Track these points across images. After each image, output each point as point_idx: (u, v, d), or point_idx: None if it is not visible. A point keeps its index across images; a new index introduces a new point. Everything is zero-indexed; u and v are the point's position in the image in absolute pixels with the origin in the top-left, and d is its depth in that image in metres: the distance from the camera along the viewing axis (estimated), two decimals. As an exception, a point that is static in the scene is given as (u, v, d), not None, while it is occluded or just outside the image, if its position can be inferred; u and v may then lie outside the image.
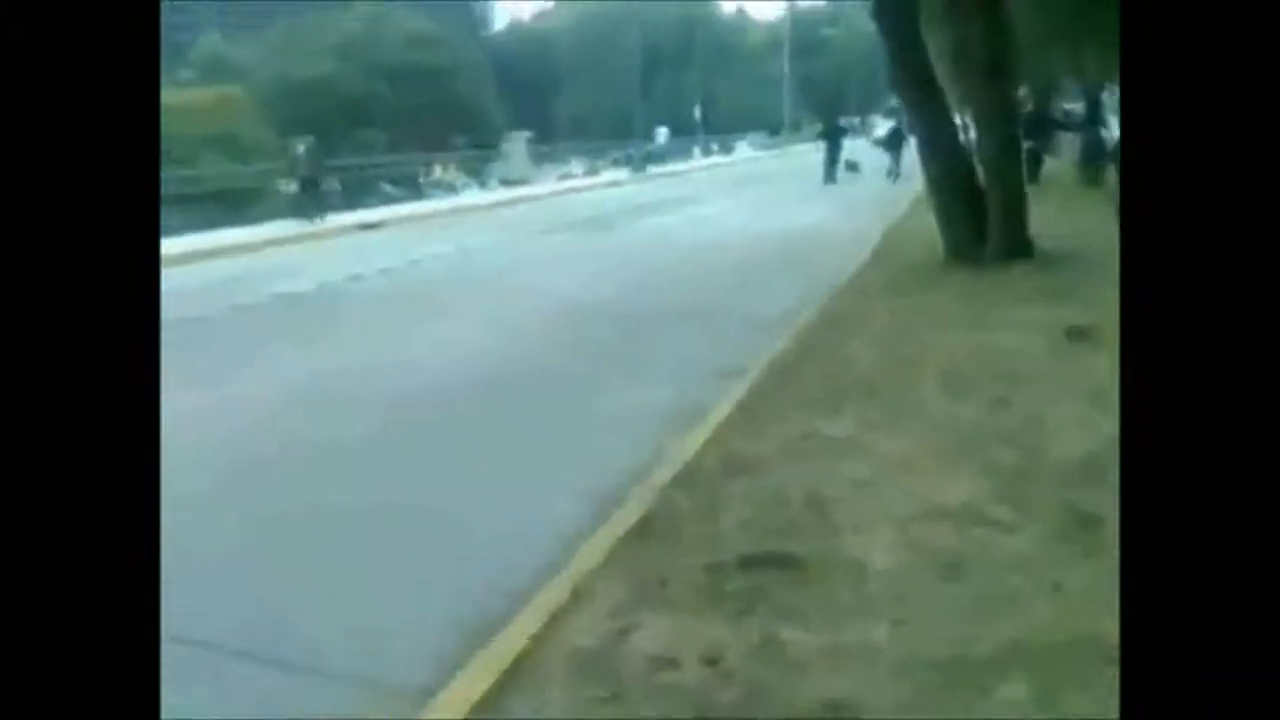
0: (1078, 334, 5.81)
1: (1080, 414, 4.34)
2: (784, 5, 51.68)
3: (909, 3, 9.09)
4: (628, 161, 35.80)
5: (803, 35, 56.58)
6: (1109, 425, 4.14)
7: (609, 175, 33.95)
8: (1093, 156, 18.72)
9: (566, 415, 5.37)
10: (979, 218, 9.04)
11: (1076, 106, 24.88)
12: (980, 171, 9.13)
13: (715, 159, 47.23)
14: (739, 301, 8.84)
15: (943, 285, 8.22)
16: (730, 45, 65.84)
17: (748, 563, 3.11)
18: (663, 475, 4.04)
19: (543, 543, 3.51)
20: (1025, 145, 22.49)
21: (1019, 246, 8.92)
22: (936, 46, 11.62)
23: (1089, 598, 2.72)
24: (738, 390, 5.41)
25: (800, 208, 18.31)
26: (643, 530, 3.48)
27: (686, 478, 3.99)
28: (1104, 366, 5.16)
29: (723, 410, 5.01)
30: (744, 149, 53.38)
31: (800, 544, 3.25)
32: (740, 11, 70.39)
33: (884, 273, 9.28)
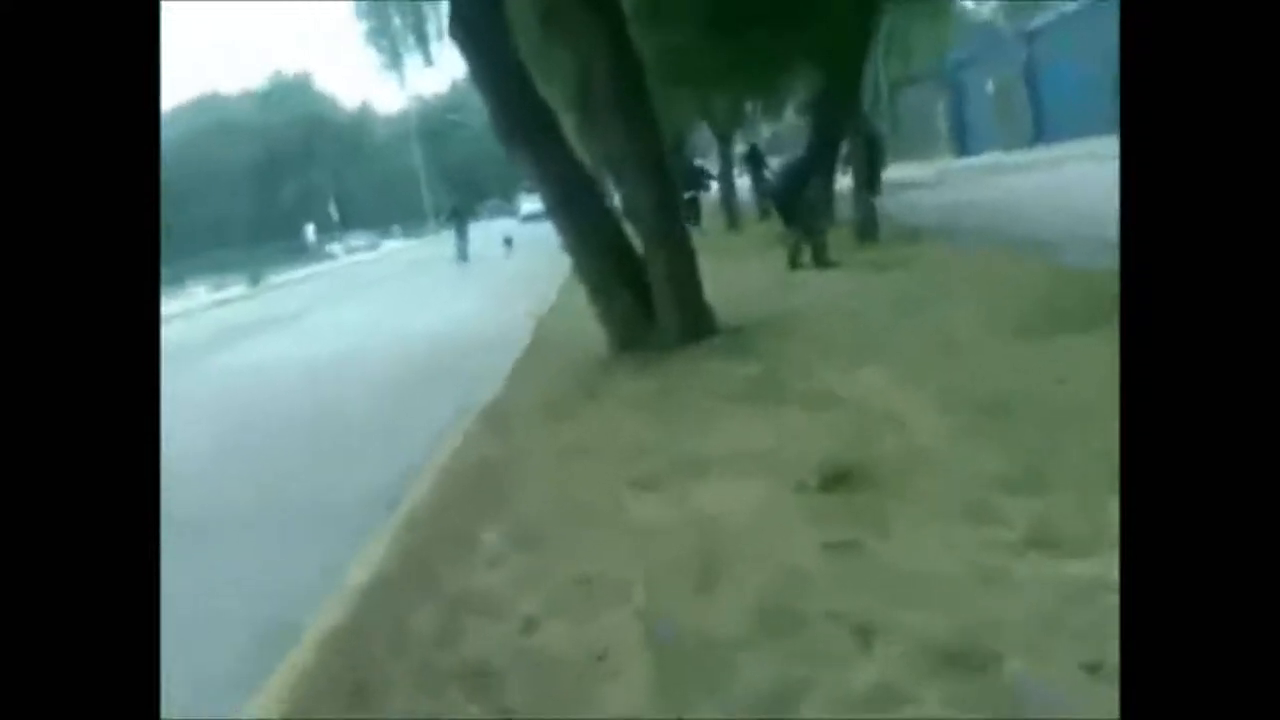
0: (836, 479, 3.44)
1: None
2: (405, 98, 49.36)
3: (495, 31, 6.63)
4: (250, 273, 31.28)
5: (429, 125, 54.72)
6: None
7: (225, 293, 29.37)
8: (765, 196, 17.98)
9: None
10: (643, 291, 6.71)
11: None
12: (636, 235, 6.84)
13: (359, 256, 43.66)
14: (327, 468, 5.78)
15: (613, 394, 5.73)
16: (358, 141, 62.43)
17: None
18: None
19: None
20: (686, 195, 21.88)
21: (699, 321, 6.70)
22: (556, 92, 9.39)
23: None
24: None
25: (446, 301, 15.64)
26: None
27: None
28: (897, 555, 2.80)
29: None
30: (391, 242, 50.17)
31: None
32: (364, 106, 67.04)
33: (537, 382, 6.68)
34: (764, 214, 17.56)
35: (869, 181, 10.98)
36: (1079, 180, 15.44)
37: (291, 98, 61.42)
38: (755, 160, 19.43)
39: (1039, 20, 26.60)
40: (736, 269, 10.50)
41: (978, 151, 28.36)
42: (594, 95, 6.51)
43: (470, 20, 6.56)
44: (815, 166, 10.25)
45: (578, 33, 6.50)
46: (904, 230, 11.53)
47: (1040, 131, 25.57)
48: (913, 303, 6.66)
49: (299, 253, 40.59)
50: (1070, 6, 25.47)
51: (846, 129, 12.04)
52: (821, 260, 9.34)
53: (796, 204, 9.57)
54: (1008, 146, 26.05)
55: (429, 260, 29.39)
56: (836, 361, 5.37)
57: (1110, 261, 6.42)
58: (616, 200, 7.52)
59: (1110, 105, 22.47)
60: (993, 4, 29.75)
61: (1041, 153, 23.06)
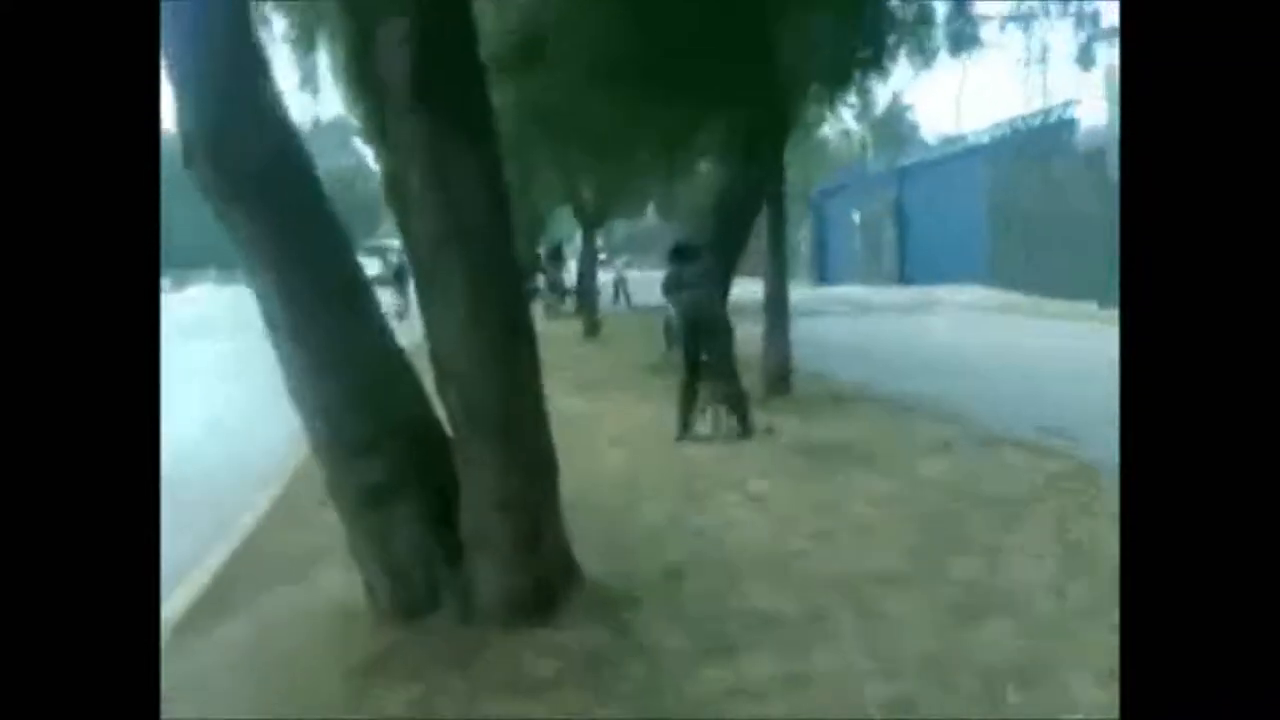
0: None
1: None
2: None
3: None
4: None
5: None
6: None
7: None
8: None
9: None
10: (440, 496, 3.24)
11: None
12: (440, 379, 3.29)
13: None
14: None
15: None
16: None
17: None
18: None
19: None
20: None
21: (547, 574, 3.28)
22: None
23: None
24: None
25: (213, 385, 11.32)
26: None
27: None
28: None
29: None
30: (197, 287, 43.95)
31: None
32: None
33: (214, 655, 3.10)
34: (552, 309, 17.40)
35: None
36: (974, 332, 13.38)
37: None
38: (557, 260, 19.04)
39: (909, 160, 25.61)
40: (601, 413, 7.21)
41: (836, 282, 26.80)
42: (388, 106, 3.06)
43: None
44: (720, 281, 7.22)
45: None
46: (806, 374, 8.57)
47: (904, 270, 24.22)
48: (943, 583, 3.51)
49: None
50: (942, 150, 24.65)
51: (747, 233, 9.24)
52: (744, 431, 6.09)
53: (710, 336, 6.26)
54: (870, 281, 24.52)
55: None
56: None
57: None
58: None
59: (974, 253, 21.46)
60: (862, 137, 28.81)
61: (908, 293, 21.48)
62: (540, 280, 21.50)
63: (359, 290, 3.36)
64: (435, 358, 3.14)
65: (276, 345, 3.17)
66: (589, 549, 3.63)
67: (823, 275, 27.80)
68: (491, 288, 3.08)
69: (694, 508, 4.60)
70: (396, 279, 18.72)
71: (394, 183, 3.10)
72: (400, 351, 3.41)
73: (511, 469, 3.14)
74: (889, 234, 24.82)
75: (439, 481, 3.23)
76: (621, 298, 21.46)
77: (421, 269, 3.08)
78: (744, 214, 9.00)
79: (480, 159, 3.04)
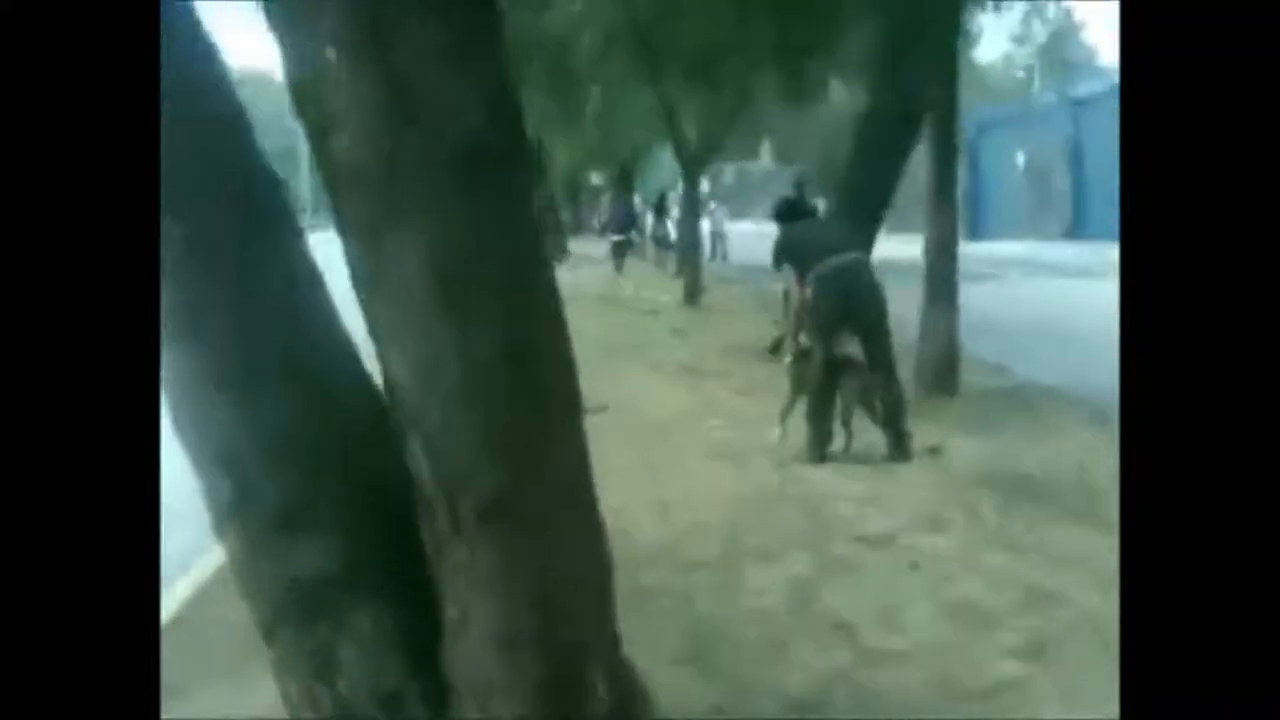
0: None
1: None
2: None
3: None
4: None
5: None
6: None
7: None
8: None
9: None
10: (421, 596, 2.00)
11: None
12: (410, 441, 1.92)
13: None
14: None
15: None
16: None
17: None
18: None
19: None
20: (616, 238, 17.74)
21: None
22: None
23: None
24: None
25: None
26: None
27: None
28: None
29: None
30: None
31: None
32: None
33: None
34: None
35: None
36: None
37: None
38: (661, 212, 18.21)
39: (1089, 87, 22.79)
40: (698, 413, 5.93)
41: (993, 237, 24.37)
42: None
43: None
44: (868, 244, 5.75)
45: None
46: (973, 362, 6.95)
47: (1080, 224, 21.68)
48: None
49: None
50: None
51: (896, 180, 7.56)
52: (902, 450, 4.67)
53: (861, 319, 4.80)
54: (1037, 236, 22.08)
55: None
56: None
57: None
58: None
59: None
60: (1029, 61, 26.00)
61: (1085, 251, 19.13)
62: (648, 229, 20.41)
63: (291, 279, 2.13)
64: (390, 389, 1.88)
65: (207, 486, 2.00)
66: (667, 650, 2.45)
67: (975, 229, 25.34)
68: (481, 262, 1.79)
69: (832, 577, 3.27)
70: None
71: (300, 76, 1.83)
72: (358, 362, 2.19)
73: (521, 590, 1.89)
74: (1061, 179, 22.26)
75: (420, 574, 2.02)
76: (719, 255, 20.06)
77: (347, 221, 1.81)
78: (893, 154, 7.38)
79: (461, 27, 1.75)
